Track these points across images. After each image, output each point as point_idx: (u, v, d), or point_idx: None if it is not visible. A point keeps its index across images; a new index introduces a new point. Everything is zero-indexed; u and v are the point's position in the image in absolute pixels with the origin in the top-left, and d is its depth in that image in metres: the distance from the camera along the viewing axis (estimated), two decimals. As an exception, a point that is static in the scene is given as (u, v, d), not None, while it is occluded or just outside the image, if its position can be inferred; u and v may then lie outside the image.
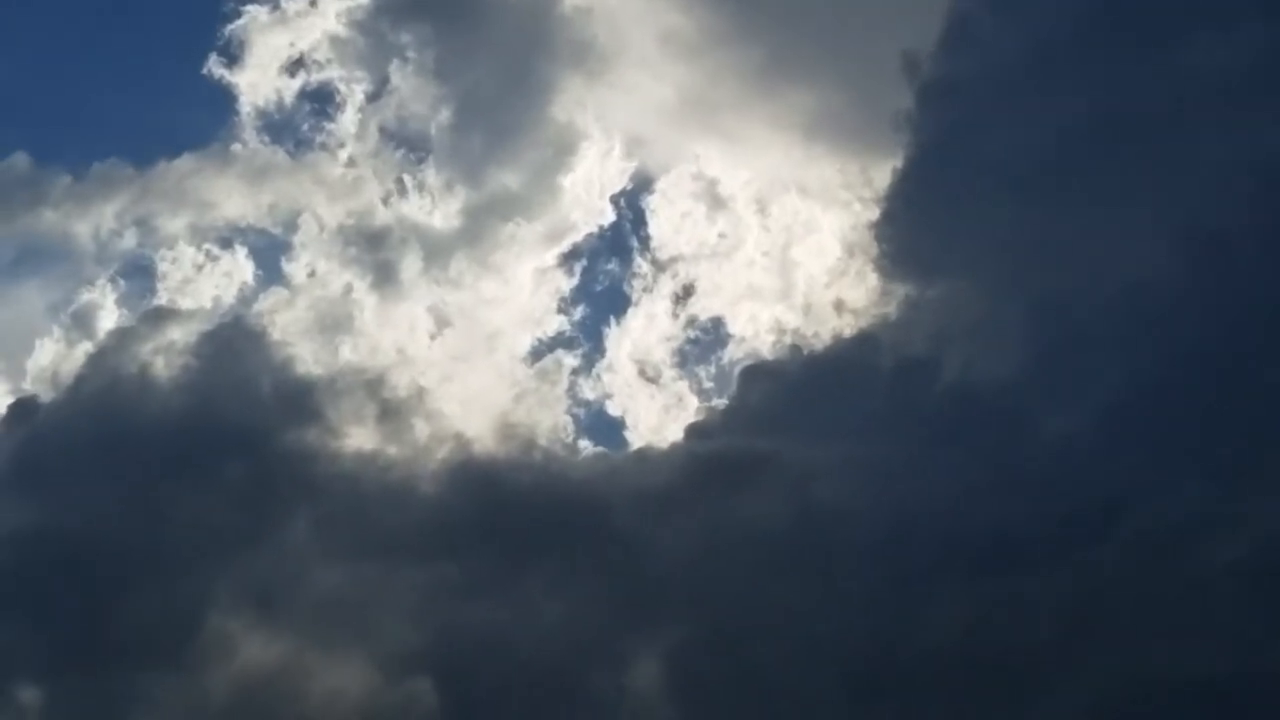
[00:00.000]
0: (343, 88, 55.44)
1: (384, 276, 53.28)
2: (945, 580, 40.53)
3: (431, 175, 54.67)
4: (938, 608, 40.21)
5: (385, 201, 54.50)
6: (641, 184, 54.90)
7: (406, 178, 54.57)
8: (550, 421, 50.18)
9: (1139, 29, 44.53)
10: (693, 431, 48.47)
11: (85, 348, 52.57)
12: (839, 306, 49.27)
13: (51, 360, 53.31)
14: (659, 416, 52.54)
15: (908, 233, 46.88)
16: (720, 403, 49.81)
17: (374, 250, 53.67)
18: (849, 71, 54.03)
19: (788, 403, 46.46)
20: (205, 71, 56.03)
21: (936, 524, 40.91)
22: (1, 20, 68.69)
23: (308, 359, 50.36)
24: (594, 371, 53.22)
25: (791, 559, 42.39)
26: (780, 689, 41.19)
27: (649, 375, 53.31)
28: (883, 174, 48.33)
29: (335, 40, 55.41)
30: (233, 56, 55.63)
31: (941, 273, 45.95)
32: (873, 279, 48.27)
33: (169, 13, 66.63)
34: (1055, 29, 45.40)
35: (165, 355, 50.05)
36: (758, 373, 48.84)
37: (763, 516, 43.73)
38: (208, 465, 47.39)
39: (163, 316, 52.10)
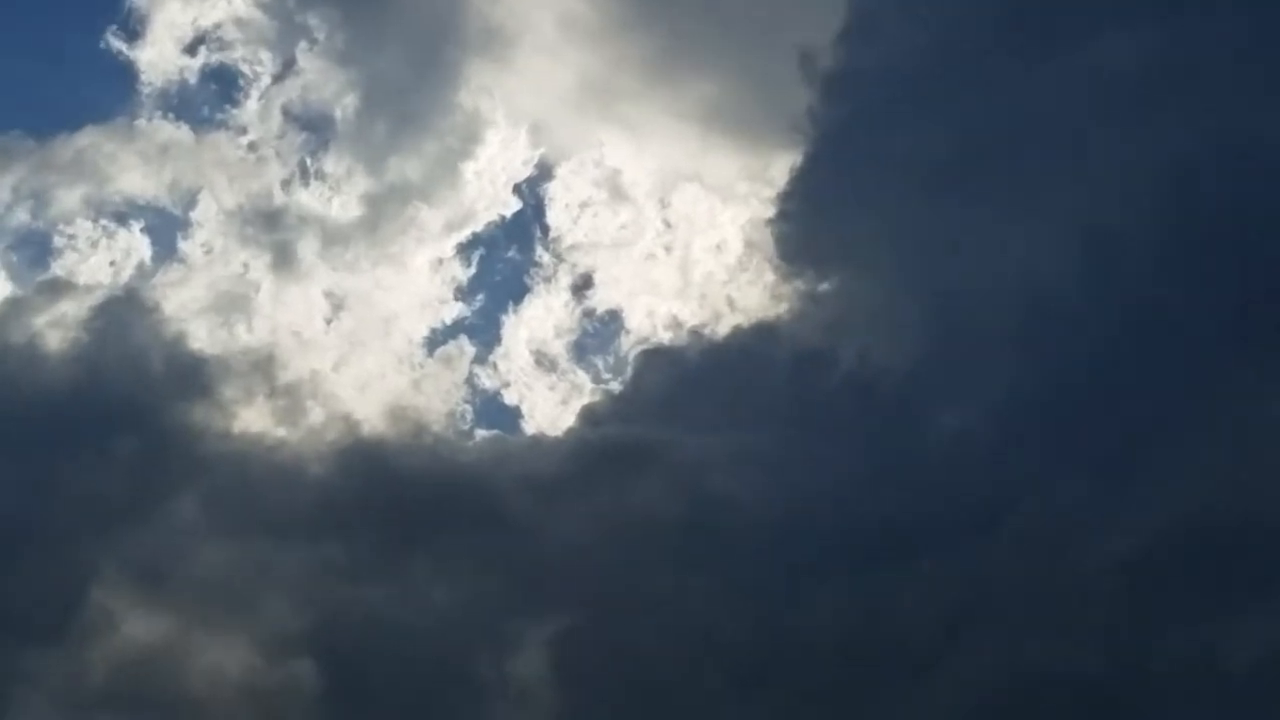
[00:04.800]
0: (247, 69, 55.64)
1: (281, 259, 53.53)
2: (834, 571, 40.93)
3: (334, 161, 54.88)
4: (826, 598, 40.55)
5: (285, 186, 54.75)
6: (544, 172, 55.33)
7: (309, 161, 54.77)
8: (446, 408, 50.60)
9: (1042, 28, 44.83)
10: (587, 414, 48.90)
11: (-24, 319, 52.72)
12: (736, 302, 49.76)
13: (-58, 333, 52.84)
14: (556, 407, 52.90)
15: (805, 228, 47.10)
16: (615, 387, 50.46)
17: (272, 232, 53.88)
18: (750, 63, 54.23)
19: (683, 390, 46.92)
20: (104, 45, 56.13)
21: (827, 515, 41.33)
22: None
23: (201, 337, 50.45)
24: (490, 360, 53.54)
25: (682, 547, 42.78)
26: (666, 677, 41.49)
27: (546, 365, 53.74)
28: (782, 169, 48.66)
29: (240, 21, 55.53)
30: (133, 32, 55.72)
31: (839, 268, 46.30)
32: (770, 273, 48.69)
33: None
34: (958, 26, 45.73)
35: (57, 328, 50.06)
36: (655, 357, 49.23)
37: (654, 504, 44.07)
38: (96, 439, 47.04)
39: (56, 289, 52.26)
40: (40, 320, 50.47)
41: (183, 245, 54.12)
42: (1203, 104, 42.78)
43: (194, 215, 54.31)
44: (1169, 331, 40.79)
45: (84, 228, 54.43)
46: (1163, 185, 41.83)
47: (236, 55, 55.62)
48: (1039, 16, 44.94)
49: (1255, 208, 40.77)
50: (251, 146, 55.28)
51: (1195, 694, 37.60)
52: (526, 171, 54.77)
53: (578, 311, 54.11)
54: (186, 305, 51.38)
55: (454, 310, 53.72)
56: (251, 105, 55.62)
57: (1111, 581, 38.62)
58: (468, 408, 51.12)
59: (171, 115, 55.54)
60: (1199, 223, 41.39)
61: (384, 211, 54.02)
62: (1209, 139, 42.10)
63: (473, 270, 54.38)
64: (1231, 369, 39.94)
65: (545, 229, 55.14)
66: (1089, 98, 43.78)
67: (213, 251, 54.03)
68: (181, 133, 55.39)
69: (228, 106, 55.77)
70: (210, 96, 56.05)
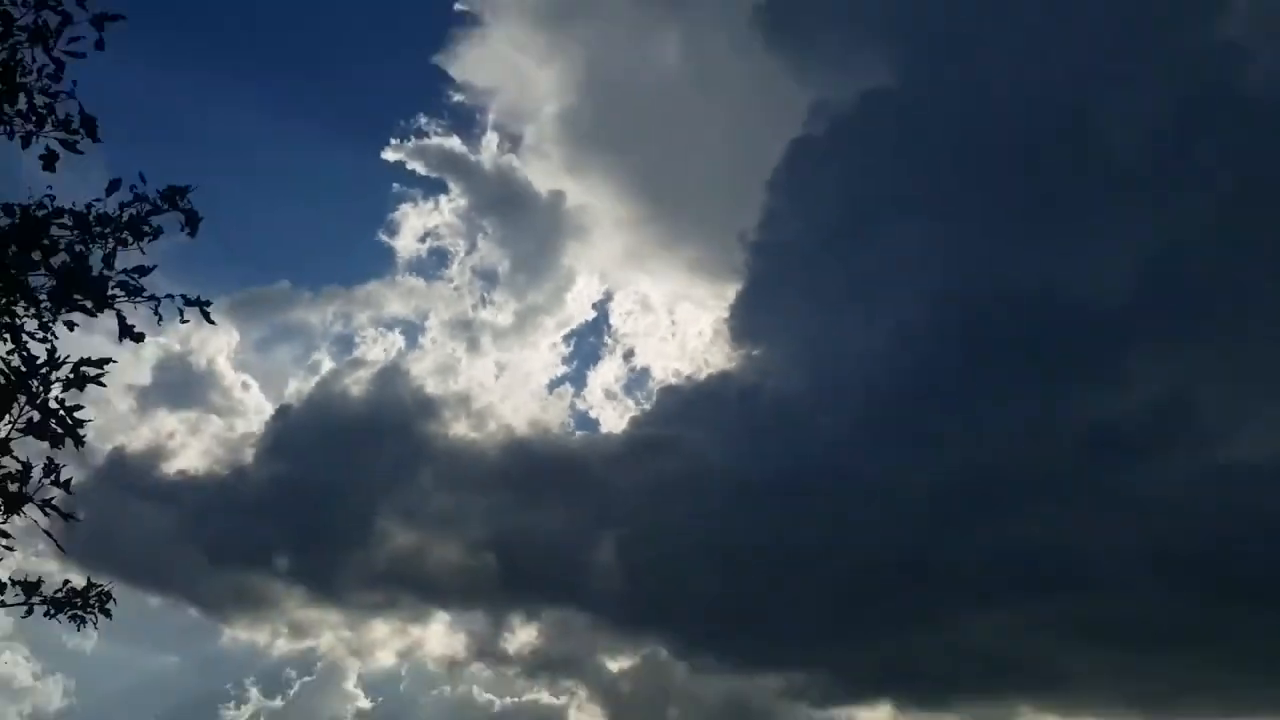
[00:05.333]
0: (451, 248, 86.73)
1: (472, 346, 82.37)
2: (767, 505, 65.18)
3: (499, 295, 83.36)
4: (762, 521, 64.90)
5: (474, 309, 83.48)
6: (608, 296, 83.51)
7: (485, 296, 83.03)
8: (559, 420, 78.73)
9: (876, 218, 69.32)
10: (633, 422, 74.52)
11: (315, 380, 79.52)
12: (709, 361, 75.85)
13: (297, 388, 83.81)
14: (618, 419, 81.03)
15: (744, 324, 71.22)
16: (648, 407, 75.61)
17: (466, 333, 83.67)
18: (711, 239, 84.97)
19: (684, 409, 70.62)
20: (377, 238, 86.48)
21: (758, 475, 64.80)
22: (275, 198, 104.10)
23: (432, 387, 77.63)
24: (582, 394, 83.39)
25: (684, 492, 66.35)
26: (679, 565, 65.21)
27: (611, 397, 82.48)
28: (732, 293, 75.79)
29: (447, 224, 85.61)
30: (393, 229, 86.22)
31: (763, 344, 70.00)
32: (726, 346, 72.97)
33: (362, 204, 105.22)
34: (829, 220, 69.78)
35: (357, 385, 75.35)
36: (668, 392, 74.42)
37: (670, 469, 67.23)
38: (378, 444, 71.68)
39: (356, 364, 79.53)
40: (348, 380, 76.01)
41: (421, 340, 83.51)
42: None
43: (427, 324, 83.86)
44: (946, 379, 66.61)
45: (369, 332, 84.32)
46: (937, 316, 65.91)
47: (445, 240, 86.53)
48: (875, 217, 69.34)
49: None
50: (455, 289, 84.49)
51: (977, 584, 62.45)
52: (598, 296, 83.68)
53: (626, 369, 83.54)
54: (424, 371, 79.46)
55: (561, 370, 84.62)
56: (455, 267, 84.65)
57: (916, 503, 64.16)
58: (570, 420, 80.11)
59: (414, 274, 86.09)
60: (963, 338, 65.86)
61: (525, 321, 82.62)
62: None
63: (570, 348, 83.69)
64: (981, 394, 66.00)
65: (609, 326, 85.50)
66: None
67: (437, 343, 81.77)
68: (418, 283, 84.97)
69: (442, 269, 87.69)
70: (433, 264, 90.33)
